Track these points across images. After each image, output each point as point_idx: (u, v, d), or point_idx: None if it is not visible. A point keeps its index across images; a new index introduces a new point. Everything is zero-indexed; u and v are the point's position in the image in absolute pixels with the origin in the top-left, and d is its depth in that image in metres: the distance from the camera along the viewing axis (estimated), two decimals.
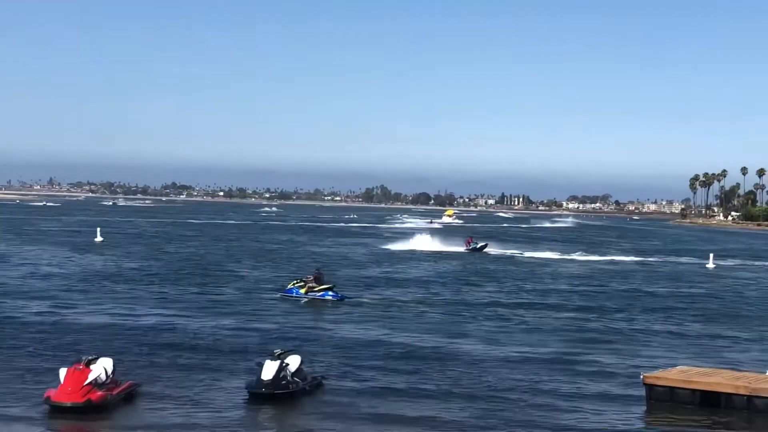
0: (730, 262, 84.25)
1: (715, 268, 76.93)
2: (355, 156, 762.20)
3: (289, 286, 45.62)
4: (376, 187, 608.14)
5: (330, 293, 44.01)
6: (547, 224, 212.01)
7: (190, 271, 56.49)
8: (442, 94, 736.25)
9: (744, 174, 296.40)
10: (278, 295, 44.75)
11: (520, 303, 45.34)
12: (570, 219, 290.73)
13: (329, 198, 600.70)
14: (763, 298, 52.84)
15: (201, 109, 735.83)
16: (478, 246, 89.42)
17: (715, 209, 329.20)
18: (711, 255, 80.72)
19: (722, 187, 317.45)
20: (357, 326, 35.38)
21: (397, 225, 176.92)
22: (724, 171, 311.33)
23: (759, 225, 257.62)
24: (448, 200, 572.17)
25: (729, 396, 21.00)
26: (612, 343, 33.14)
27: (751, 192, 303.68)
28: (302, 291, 44.42)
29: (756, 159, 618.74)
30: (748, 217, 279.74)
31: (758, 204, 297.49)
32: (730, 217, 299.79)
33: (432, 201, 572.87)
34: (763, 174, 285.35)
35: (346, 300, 43.44)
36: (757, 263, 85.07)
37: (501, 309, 42.55)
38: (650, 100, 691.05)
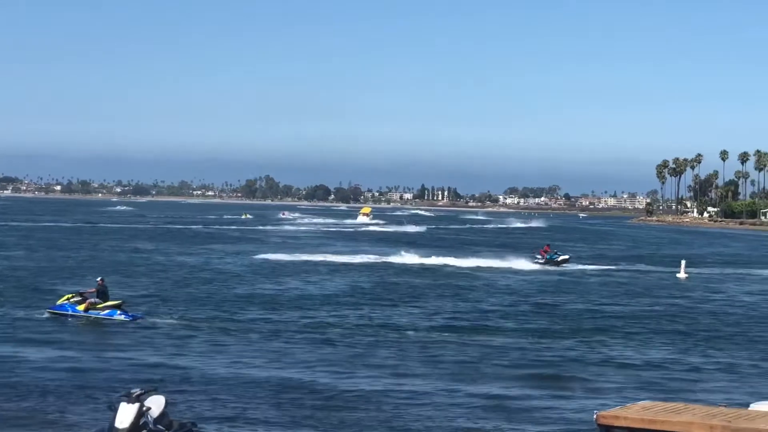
0: (706, 271, 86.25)
1: (687, 278, 78.66)
2: (232, 140, 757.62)
3: (60, 301, 44.34)
4: (260, 178, 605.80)
5: (119, 312, 43.27)
6: (492, 224, 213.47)
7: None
8: (343, 58, 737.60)
9: (723, 159, 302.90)
10: (44, 314, 43.91)
11: (447, 325, 45.68)
12: (482, 216, 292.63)
13: (199, 192, 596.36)
14: (742, 315, 54.22)
15: (27, 83, 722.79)
16: (558, 258, 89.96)
17: (688, 204, 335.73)
18: (683, 262, 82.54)
19: (696, 175, 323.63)
20: (227, 358, 35.30)
21: (287, 227, 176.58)
22: (699, 156, 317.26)
23: (742, 223, 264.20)
24: (352, 194, 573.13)
25: None
26: (560, 375, 33.63)
27: (732, 182, 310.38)
28: (80, 308, 43.41)
29: (738, 141, 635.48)
30: (728, 213, 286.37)
31: (741, 197, 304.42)
32: (706, 214, 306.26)
33: (332, 196, 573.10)
34: (747, 159, 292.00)
35: (140, 320, 43.24)
36: (739, 271, 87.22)
37: (421, 334, 42.80)
38: (605, 75, 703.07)
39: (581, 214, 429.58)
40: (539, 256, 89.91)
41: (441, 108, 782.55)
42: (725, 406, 24.49)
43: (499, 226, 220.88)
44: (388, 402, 28.60)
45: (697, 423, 21.63)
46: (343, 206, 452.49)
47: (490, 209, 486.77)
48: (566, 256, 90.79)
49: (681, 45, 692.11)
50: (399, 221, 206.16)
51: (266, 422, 25.95)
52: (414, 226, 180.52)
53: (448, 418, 26.89)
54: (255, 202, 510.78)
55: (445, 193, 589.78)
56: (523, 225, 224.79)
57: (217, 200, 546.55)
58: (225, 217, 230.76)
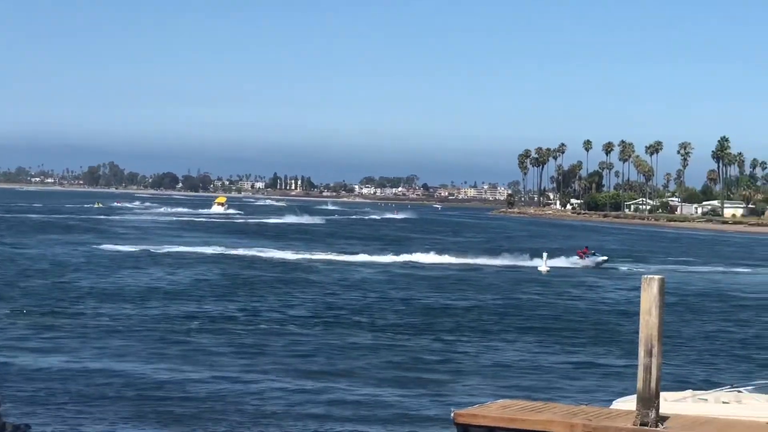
0: (566, 264, 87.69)
1: (549, 271, 79.95)
2: (73, 124, 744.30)
3: None
4: (103, 165, 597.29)
5: None
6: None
7: None
8: (188, 40, 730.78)
9: (587, 150, 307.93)
10: None
11: (298, 320, 45.61)
12: (332, 207, 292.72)
13: (38, 179, 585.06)
14: (603, 311, 55.29)
15: None
16: (599, 259, 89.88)
17: (551, 195, 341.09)
18: (544, 255, 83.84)
19: (560, 166, 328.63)
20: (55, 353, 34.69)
21: (128, 216, 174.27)
22: (563, 146, 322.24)
23: (605, 216, 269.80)
24: (201, 183, 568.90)
25: None
26: (416, 373, 33.79)
27: (596, 173, 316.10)
28: None
29: (602, 130, 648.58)
30: (591, 205, 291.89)
31: (605, 188, 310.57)
32: (569, 206, 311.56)
33: (180, 184, 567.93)
34: (612, 150, 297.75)
35: None
36: (602, 265, 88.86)
37: (268, 328, 42.67)
38: (467, 63, 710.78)
39: (436, 205, 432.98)
40: (577, 257, 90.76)
41: (291, 94, 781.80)
42: (586, 404, 24.86)
43: (351, 217, 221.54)
44: (231, 398, 28.38)
45: (558, 421, 21.90)
46: (176, 195, 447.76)
47: (345, 199, 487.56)
48: (605, 257, 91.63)
49: (542, 34, 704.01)
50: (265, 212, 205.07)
51: (101, 419, 25.54)
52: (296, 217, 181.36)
53: (299, 416, 26.77)
54: (98, 189, 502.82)
55: (299, 183, 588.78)
56: (378, 218, 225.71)
57: (57, 188, 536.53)
58: (67, 205, 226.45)
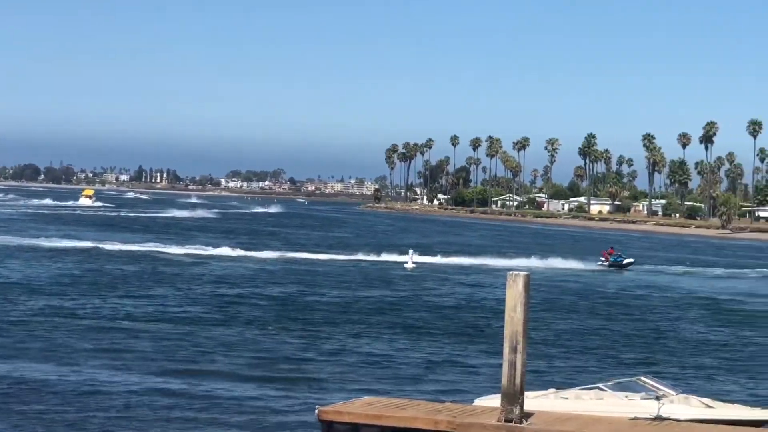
0: (432, 260, 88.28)
1: (415, 268, 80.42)
2: None
3: None
4: None
5: None
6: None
7: None
8: (51, 31, 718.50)
9: (455, 145, 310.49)
10: None
11: (155, 316, 45.25)
12: (197, 200, 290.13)
13: None
14: (468, 307, 55.87)
15: None
16: (624, 261, 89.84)
17: (418, 190, 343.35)
18: (411, 251, 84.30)
19: (427, 161, 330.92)
20: None
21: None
22: (430, 141, 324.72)
23: (473, 211, 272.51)
24: (64, 175, 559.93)
25: None
26: (279, 369, 33.78)
27: (463, 168, 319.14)
28: None
29: (470, 126, 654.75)
30: (459, 201, 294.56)
31: (472, 184, 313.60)
32: (436, 201, 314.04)
33: (42, 176, 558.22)
34: (479, 145, 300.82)
35: None
36: (469, 262, 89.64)
37: (118, 324, 42.24)
38: (328, 54, 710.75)
39: (300, 199, 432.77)
40: (603, 259, 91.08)
41: (154, 84, 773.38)
42: (451, 401, 25.13)
43: (239, 211, 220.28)
44: (93, 398, 28.05)
45: (422, 418, 22.12)
46: (38, 187, 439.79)
47: (211, 193, 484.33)
48: (631, 260, 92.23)
49: (408, 27, 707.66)
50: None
51: None
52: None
53: (161, 418, 26.59)
54: None
55: (164, 176, 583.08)
56: (246, 210, 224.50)
57: None
58: None
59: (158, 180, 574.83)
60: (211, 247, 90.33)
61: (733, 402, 25.57)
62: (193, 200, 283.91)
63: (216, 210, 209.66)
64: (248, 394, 29.70)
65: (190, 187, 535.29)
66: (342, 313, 49.93)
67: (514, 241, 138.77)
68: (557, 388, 25.36)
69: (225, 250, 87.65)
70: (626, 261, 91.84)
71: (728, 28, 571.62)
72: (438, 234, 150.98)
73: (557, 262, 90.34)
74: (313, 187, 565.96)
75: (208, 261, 78.54)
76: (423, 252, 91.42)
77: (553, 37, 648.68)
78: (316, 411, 22.75)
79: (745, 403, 26.70)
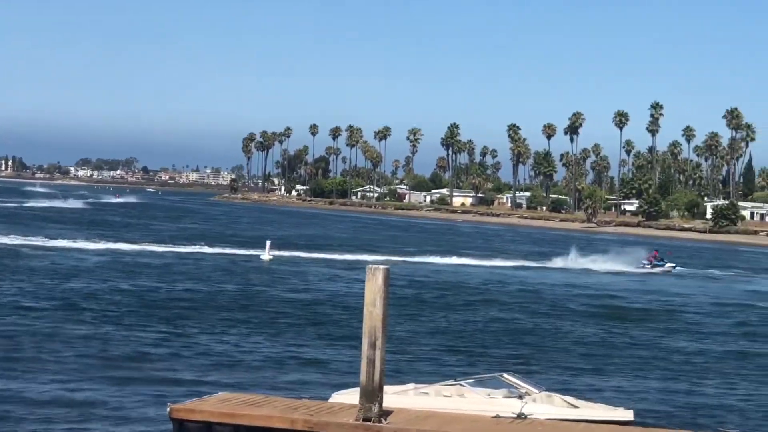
0: (292, 254, 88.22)
1: (272, 260, 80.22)
2: None
3: None
4: None
5: None
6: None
7: None
8: None
9: (314, 134, 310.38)
10: None
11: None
12: (41, 189, 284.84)
13: None
14: (325, 302, 55.90)
15: None
16: (665, 266, 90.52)
17: (276, 181, 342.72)
18: (268, 243, 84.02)
19: (285, 151, 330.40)
20: None
21: None
22: (288, 130, 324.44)
23: (332, 203, 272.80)
24: None
25: None
26: (132, 368, 33.38)
27: (322, 158, 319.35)
28: None
29: (329, 115, 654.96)
30: (318, 191, 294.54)
31: (332, 174, 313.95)
32: (295, 192, 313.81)
33: None
34: (339, 134, 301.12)
35: None
36: (326, 256, 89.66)
37: None
38: (188, 40, 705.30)
39: (150, 189, 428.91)
40: (646, 262, 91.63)
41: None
42: (308, 398, 25.09)
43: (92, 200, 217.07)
44: None
45: (278, 416, 22.04)
46: None
47: (60, 182, 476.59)
48: (673, 264, 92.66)
49: (262, 13, 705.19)
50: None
51: None
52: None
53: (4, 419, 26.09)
54: None
55: (9, 163, 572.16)
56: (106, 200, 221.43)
57: None
58: None
59: (3, 168, 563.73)
60: (55, 239, 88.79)
61: (596, 401, 25.99)
62: (38, 189, 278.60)
63: (65, 199, 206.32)
64: (97, 393, 29.27)
65: (37, 175, 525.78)
66: (196, 307, 49.54)
67: (376, 234, 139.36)
68: (417, 383, 25.50)
69: (68, 242, 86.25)
70: (668, 265, 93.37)
71: (594, 21, 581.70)
72: (295, 226, 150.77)
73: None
74: (168, 177, 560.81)
75: (50, 252, 77.16)
76: (281, 245, 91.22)
77: (418, 24, 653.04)
78: (168, 409, 22.51)
79: (609, 402, 27.16)
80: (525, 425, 21.66)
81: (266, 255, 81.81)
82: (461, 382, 24.95)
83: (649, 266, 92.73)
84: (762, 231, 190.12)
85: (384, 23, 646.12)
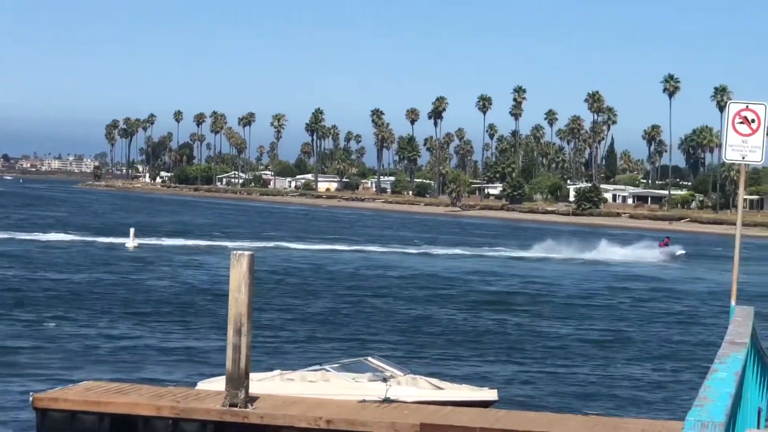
0: (158, 241, 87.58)
1: (137, 248, 79.57)
2: None
3: None
4: None
5: None
6: None
7: None
8: None
9: (178, 121, 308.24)
10: None
11: None
12: None
13: None
14: (185, 288, 55.72)
15: None
16: (677, 253, 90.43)
17: (140, 168, 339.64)
18: (132, 230, 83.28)
19: (149, 137, 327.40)
20: None
21: None
22: (152, 116, 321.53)
23: (197, 189, 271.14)
24: None
25: (148, 420, 21.75)
26: None
27: (186, 145, 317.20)
28: None
29: (194, 101, 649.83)
30: (182, 178, 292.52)
31: (196, 161, 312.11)
32: (159, 179, 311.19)
33: None
34: (203, 121, 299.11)
35: None
36: (192, 242, 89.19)
37: None
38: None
39: (8, 177, 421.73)
40: (659, 249, 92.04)
41: None
42: (174, 385, 25.09)
43: None
44: None
45: (144, 404, 22.01)
46: None
47: None
48: (683, 251, 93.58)
49: None
50: None
51: None
52: None
53: None
54: None
55: None
56: None
57: None
58: None
59: None
60: None
61: (461, 383, 26.38)
62: None
63: None
64: None
65: None
66: (60, 296, 48.95)
67: (243, 220, 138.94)
68: (283, 370, 25.62)
69: None
70: (678, 252, 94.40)
71: (455, 5, 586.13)
72: (161, 213, 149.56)
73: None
74: (29, 165, 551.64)
75: None
76: (147, 232, 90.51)
77: (284, 8, 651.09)
78: (31, 398, 22.29)
79: (473, 383, 27.57)
80: (390, 408, 21.93)
81: (131, 243, 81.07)
82: (327, 367, 25.14)
83: (660, 253, 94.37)
84: (624, 213, 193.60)
85: (242, 11, 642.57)
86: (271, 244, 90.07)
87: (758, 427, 15.91)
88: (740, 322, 11.76)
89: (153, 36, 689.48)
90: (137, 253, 76.22)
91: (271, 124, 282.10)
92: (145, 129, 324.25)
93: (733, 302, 19.63)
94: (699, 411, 6.35)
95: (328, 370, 24.82)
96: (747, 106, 20.16)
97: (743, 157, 20.12)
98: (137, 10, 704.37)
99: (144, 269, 64.26)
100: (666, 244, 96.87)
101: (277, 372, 25.14)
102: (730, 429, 7.78)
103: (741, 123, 20.02)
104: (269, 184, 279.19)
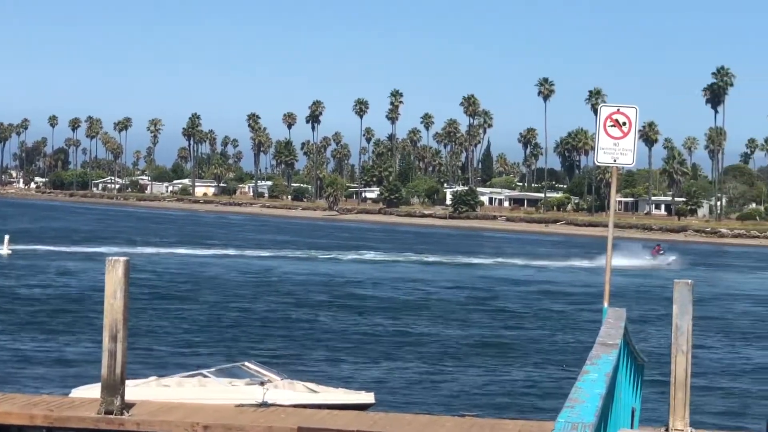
0: (30, 247, 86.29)
1: (11, 254, 78.33)
2: None
3: None
4: None
5: None
6: None
7: None
8: None
9: (53, 126, 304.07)
10: None
11: None
12: None
13: None
14: (57, 295, 55.04)
15: None
16: (669, 261, 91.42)
17: (14, 173, 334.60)
18: (6, 237, 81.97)
19: (23, 142, 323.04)
20: None
21: None
22: (26, 121, 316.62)
23: (72, 194, 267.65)
24: None
25: (22, 429, 21.42)
26: None
27: (61, 150, 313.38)
28: None
29: (69, 106, 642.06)
30: (57, 183, 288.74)
31: (72, 166, 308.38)
32: (33, 184, 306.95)
33: None
34: (79, 126, 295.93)
35: None
36: (56, 248, 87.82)
37: None
38: None
39: None
40: (651, 256, 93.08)
41: None
42: (48, 393, 24.75)
43: None
44: None
45: (17, 413, 21.64)
46: None
47: None
48: (673, 257, 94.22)
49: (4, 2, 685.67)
50: None
51: None
52: None
53: None
54: None
55: None
56: None
57: None
58: None
59: None
60: None
61: (338, 386, 26.40)
62: None
63: None
64: None
65: None
66: None
67: (118, 227, 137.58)
68: (159, 376, 25.41)
69: None
70: (670, 259, 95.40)
71: (342, 9, 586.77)
72: (37, 219, 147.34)
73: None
74: None
75: None
76: (21, 239, 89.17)
77: (156, 18, 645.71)
78: None
79: (350, 387, 27.62)
80: (267, 413, 21.87)
81: (4, 249, 79.76)
82: (204, 372, 25.02)
83: (651, 259, 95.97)
84: (500, 216, 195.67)
85: (117, 12, 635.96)
86: (147, 249, 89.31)
87: (632, 427, 16.19)
88: (612, 323, 11.92)
89: (25, 39, 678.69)
90: (11, 260, 75.01)
91: (148, 128, 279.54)
92: (18, 134, 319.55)
93: (605, 304, 19.89)
94: (569, 412, 6.42)
95: (205, 376, 24.70)
96: (618, 109, 20.43)
97: (615, 160, 20.37)
98: (9, 16, 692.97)
99: (18, 276, 63.27)
100: (658, 252, 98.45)
101: (153, 378, 24.94)
102: (602, 429, 7.88)
103: (612, 126, 20.28)
104: (146, 189, 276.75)
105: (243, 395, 23.35)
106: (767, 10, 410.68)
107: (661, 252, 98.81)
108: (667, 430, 17.86)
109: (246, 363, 25.62)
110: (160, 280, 63.83)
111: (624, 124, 20.27)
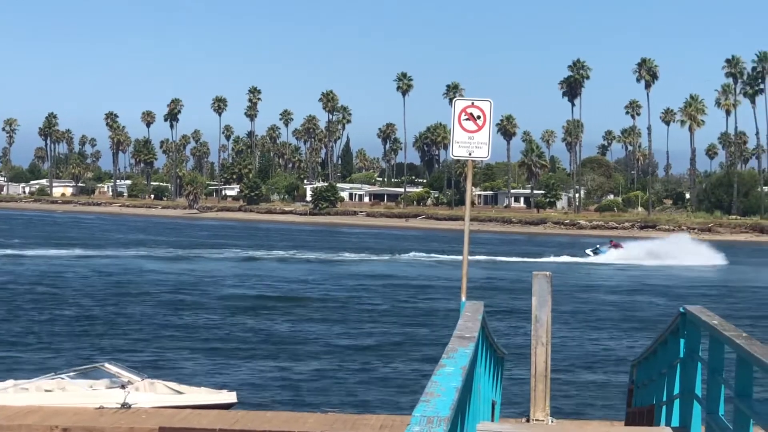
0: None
1: None
2: None
3: None
4: None
5: None
6: None
7: None
8: None
9: None
10: None
11: None
12: None
13: None
14: None
15: None
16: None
17: None
18: None
19: None
20: None
21: None
22: None
23: None
24: None
25: None
26: None
27: None
28: None
29: None
30: None
31: None
32: None
33: None
34: None
35: None
36: None
37: None
38: None
39: None
40: (605, 249, 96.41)
41: None
42: None
43: None
44: None
45: None
46: None
47: None
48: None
49: None
50: None
51: None
52: None
53: None
54: None
55: None
56: None
57: None
58: None
59: None
60: None
61: (200, 386, 26.25)
62: None
63: None
64: None
65: None
66: None
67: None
68: (16, 380, 24.98)
69: None
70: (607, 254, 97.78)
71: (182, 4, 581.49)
72: None
73: None
74: None
75: None
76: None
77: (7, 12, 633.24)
78: None
79: (213, 386, 27.48)
80: (129, 414, 21.66)
81: None
82: (62, 375, 24.66)
83: (592, 253, 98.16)
84: (361, 212, 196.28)
85: None
86: (2, 251, 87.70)
87: (492, 420, 16.35)
88: (469, 317, 12.01)
89: None
90: None
91: (3, 128, 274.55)
92: None
93: (463, 298, 20.06)
94: (425, 406, 6.46)
95: (63, 378, 24.35)
96: (473, 103, 20.55)
97: (470, 154, 20.50)
98: None
99: None
100: (616, 246, 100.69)
101: (10, 382, 24.52)
102: (459, 423, 7.95)
103: (467, 119, 20.40)
104: (2, 190, 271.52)
105: (103, 397, 23.08)
106: (621, 2, 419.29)
107: (621, 247, 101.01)
108: (528, 420, 18.11)
109: (106, 364, 25.31)
110: (14, 282, 62.70)
111: (479, 117, 20.39)
